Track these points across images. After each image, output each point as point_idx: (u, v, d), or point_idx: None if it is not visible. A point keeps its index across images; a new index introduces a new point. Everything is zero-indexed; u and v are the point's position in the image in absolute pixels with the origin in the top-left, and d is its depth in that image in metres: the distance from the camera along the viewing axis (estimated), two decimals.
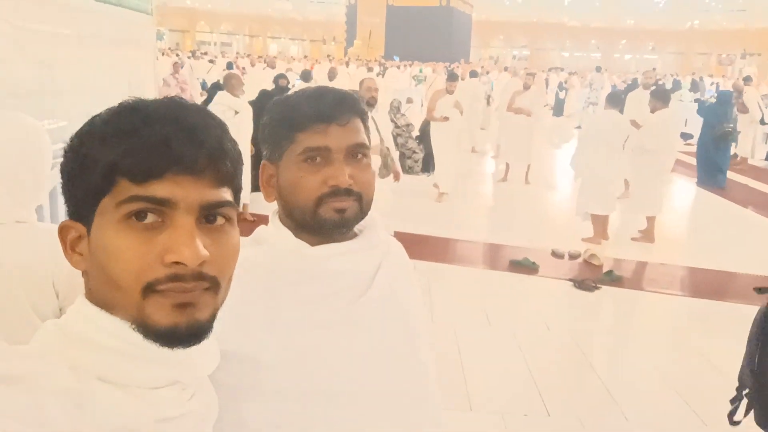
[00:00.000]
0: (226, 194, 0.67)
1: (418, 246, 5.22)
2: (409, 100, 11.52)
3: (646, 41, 46.99)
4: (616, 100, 6.31)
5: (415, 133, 9.50)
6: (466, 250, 5.99)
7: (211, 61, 19.78)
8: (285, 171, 0.98)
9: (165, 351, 0.63)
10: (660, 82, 15.62)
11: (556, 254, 5.81)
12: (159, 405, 0.65)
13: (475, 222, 7.20)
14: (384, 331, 1.00)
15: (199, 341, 0.65)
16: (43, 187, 1.35)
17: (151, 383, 0.65)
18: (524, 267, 5.39)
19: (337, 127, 0.96)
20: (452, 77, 7.93)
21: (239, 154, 0.70)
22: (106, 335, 0.63)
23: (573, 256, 5.76)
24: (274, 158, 1.00)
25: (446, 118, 7.63)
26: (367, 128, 1.03)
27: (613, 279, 5.19)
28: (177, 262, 0.61)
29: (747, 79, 12.80)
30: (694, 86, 16.63)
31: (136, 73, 6.27)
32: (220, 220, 0.67)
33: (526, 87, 9.25)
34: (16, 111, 1.38)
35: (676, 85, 17.86)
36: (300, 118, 0.97)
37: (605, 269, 5.40)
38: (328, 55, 29.72)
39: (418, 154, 9.20)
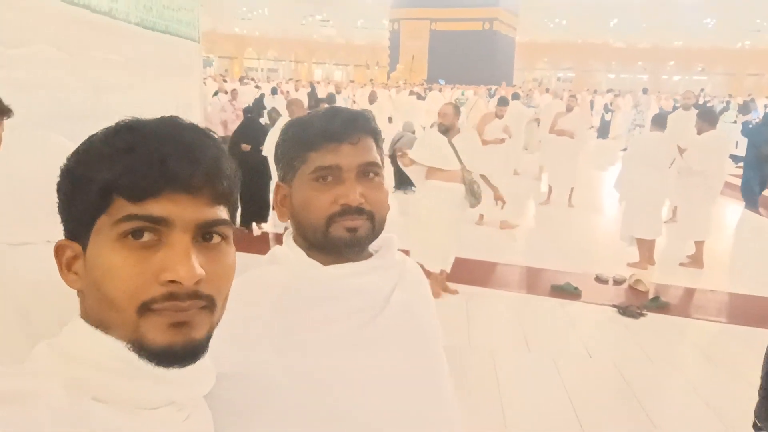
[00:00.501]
0: (223, 212, 0.67)
1: (456, 269, 5.16)
2: None
3: (696, 62, 45.94)
4: (662, 121, 6.16)
5: None
6: (506, 273, 5.90)
7: (257, 87, 20.24)
8: (297, 191, 0.98)
9: (160, 370, 0.63)
10: (708, 104, 15.22)
11: (599, 279, 5.67)
12: (154, 425, 0.64)
13: (516, 245, 7.09)
14: (400, 351, 0.98)
15: (195, 360, 0.65)
16: None
17: (146, 403, 0.64)
18: (566, 292, 5.27)
19: (348, 146, 0.96)
20: (503, 102, 7.86)
21: (236, 172, 0.70)
22: (101, 355, 0.63)
23: (617, 282, 5.61)
24: (287, 178, 1.01)
25: (502, 140, 7.53)
26: (380, 148, 1.02)
27: (659, 305, 5.03)
28: (173, 281, 0.61)
29: None
30: (745, 108, 16.14)
31: (183, 97, 6.47)
32: (216, 239, 0.67)
33: (569, 109, 9.15)
34: (57, 134, 1.41)
35: (725, 107, 17.35)
36: (311, 137, 0.97)
37: (651, 295, 5.23)
38: (371, 80, 30.06)
39: None
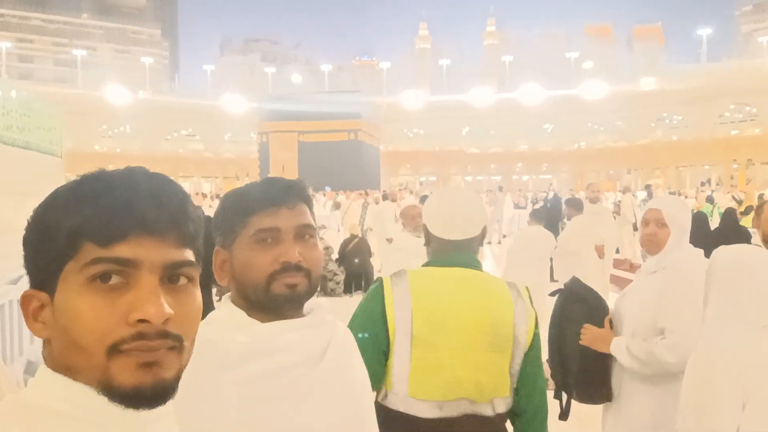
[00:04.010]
0: (189, 255, 0.69)
1: None
2: (322, 226, 11.91)
3: (541, 163, 50.92)
4: (539, 215, 6.78)
5: (335, 255, 9.69)
6: None
7: None
8: (238, 254, 1.06)
9: (130, 413, 0.62)
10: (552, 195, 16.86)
11: None
12: None
13: None
14: (334, 404, 1.04)
15: (165, 401, 0.65)
16: None
17: None
18: None
19: (286, 210, 1.06)
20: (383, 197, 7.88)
21: (201, 218, 0.72)
22: (68, 403, 0.62)
23: None
24: (227, 244, 1.08)
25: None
26: (313, 213, 1.13)
27: None
28: (142, 320, 0.62)
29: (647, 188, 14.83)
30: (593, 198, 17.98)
31: None
32: (182, 281, 0.68)
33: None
34: None
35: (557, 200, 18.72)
36: (251, 203, 1.07)
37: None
38: None
39: (340, 276, 9.31)
